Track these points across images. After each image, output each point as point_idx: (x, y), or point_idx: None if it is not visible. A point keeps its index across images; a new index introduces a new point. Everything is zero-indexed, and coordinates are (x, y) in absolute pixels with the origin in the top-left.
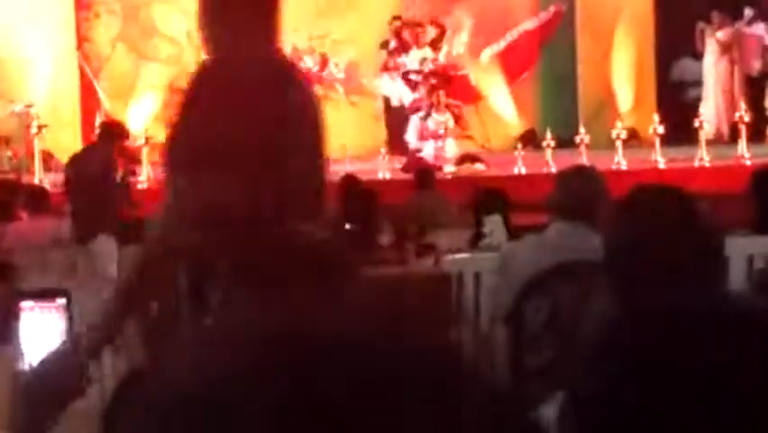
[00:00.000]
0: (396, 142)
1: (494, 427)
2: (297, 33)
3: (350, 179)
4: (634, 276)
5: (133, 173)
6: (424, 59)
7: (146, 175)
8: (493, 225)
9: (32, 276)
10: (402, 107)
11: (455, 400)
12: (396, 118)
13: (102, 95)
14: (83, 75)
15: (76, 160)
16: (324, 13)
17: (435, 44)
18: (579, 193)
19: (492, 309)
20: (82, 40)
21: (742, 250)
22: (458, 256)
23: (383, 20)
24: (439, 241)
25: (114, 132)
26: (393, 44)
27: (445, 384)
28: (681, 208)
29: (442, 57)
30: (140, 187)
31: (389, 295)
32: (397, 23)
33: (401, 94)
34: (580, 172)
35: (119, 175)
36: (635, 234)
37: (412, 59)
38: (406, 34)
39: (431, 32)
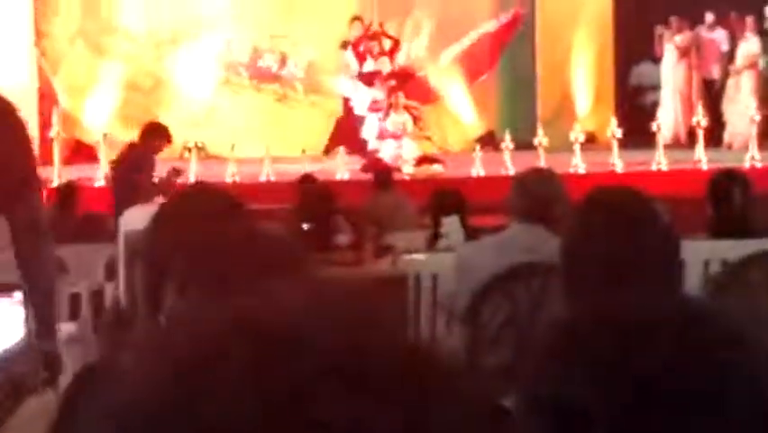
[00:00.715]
0: (354, 143)
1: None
2: (257, 33)
3: (307, 179)
4: (589, 278)
5: (178, 173)
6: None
7: (102, 172)
8: (451, 226)
9: None
10: (361, 107)
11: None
12: (354, 118)
13: (59, 91)
14: (41, 71)
15: (116, 158)
16: (285, 13)
17: (392, 54)
18: (536, 195)
19: (449, 310)
20: (40, 35)
21: (698, 254)
22: (415, 257)
23: (343, 20)
24: (397, 242)
25: (155, 132)
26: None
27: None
28: (637, 210)
29: (402, 57)
30: (97, 185)
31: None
32: (355, 34)
33: (359, 94)
34: (538, 175)
35: (159, 174)
36: (592, 236)
37: (368, 67)
38: (362, 47)
39: (386, 44)
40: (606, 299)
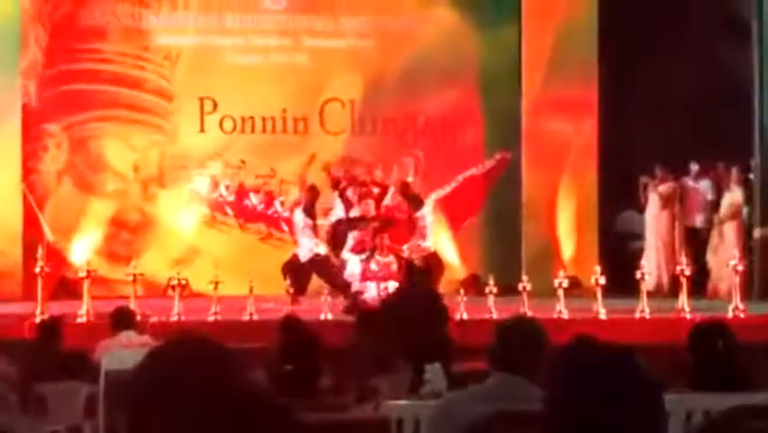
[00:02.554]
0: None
1: None
2: (244, 172)
3: (290, 319)
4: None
5: None
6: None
7: (86, 309)
8: (434, 372)
9: None
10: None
11: None
12: (334, 264)
13: (46, 227)
14: (27, 206)
15: None
16: (271, 154)
17: (378, 200)
18: (519, 346)
19: None
20: (28, 171)
21: (680, 406)
22: (398, 402)
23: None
24: (380, 385)
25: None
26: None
27: None
28: (621, 365)
29: (388, 199)
30: (79, 321)
31: None
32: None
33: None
34: (521, 325)
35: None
36: (575, 391)
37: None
38: (349, 192)
39: (374, 191)
40: None
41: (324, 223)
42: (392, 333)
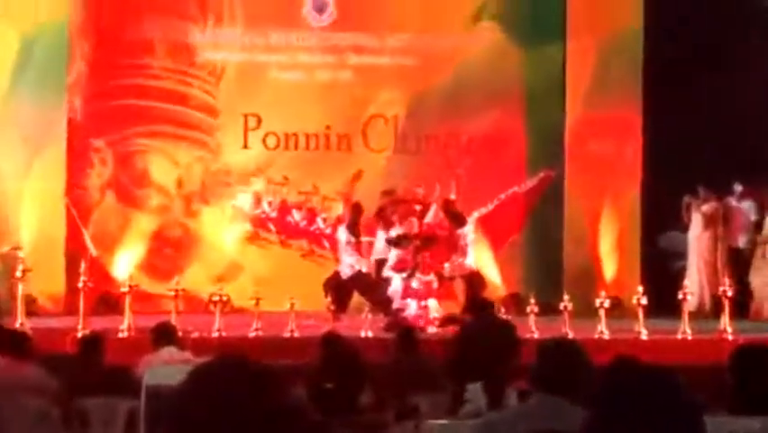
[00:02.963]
0: (376, 303)
1: None
2: (287, 188)
3: (331, 336)
4: None
5: None
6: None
7: (127, 324)
8: (474, 391)
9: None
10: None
11: None
12: (376, 280)
13: (89, 242)
14: (71, 221)
15: None
16: (314, 170)
17: (421, 217)
18: (560, 366)
19: None
20: (72, 186)
21: (721, 429)
22: (438, 422)
23: (369, 179)
24: (420, 403)
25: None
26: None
27: None
28: (662, 387)
29: (429, 216)
30: (120, 336)
31: None
32: (385, 200)
33: (386, 254)
34: (562, 345)
35: None
36: (616, 412)
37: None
38: (390, 210)
39: (416, 208)
40: None
41: (366, 240)
42: (468, 364)
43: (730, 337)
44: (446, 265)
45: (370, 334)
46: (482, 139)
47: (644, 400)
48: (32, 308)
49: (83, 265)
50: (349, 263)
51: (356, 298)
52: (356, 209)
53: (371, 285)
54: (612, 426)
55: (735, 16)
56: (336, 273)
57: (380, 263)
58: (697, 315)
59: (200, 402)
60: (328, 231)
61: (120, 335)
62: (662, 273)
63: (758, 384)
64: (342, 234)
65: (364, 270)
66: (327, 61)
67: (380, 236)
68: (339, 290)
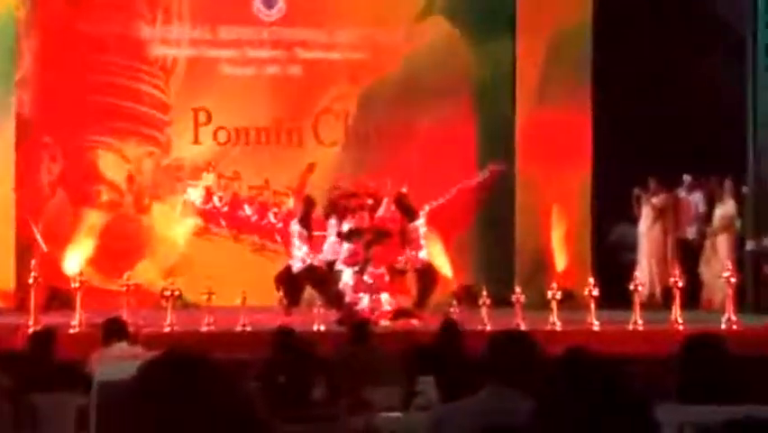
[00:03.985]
0: (328, 297)
1: None
2: (238, 183)
3: (283, 331)
4: None
5: None
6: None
7: (78, 320)
8: (426, 384)
9: None
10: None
11: None
12: (328, 274)
13: (39, 238)
14: (20, 217)
15: None
16: (265, 165)
17: (372, 211)
18: (511, 358)
19: None
20: (22, 182)
21: (672, 418)
22: (390, 415)
23: (321, 171)
24: (373, 397)
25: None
26: (333, 219)
27: None
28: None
29: (381, 210)
30: (71, 331)
31: None
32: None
33: (336, 255)
34: (514, 337)
35: None
36: (565, 403)
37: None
38: (342, 204)
39: (368, 202)
40: None
41: (319, 235)
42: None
43: (681, 328)
44: (400, 259)
45: (322, 328)
46: (433, 133)
47: (592, 391)
48: None
49: (33, 261)
50: (300, 257)
51: (308, 292)
52: (308, 203)
53: (323, 279)
54: (561, 417)
55: (681, 10)
56: (288, 267)
57: (332, 262)
58: (648, 306)
59: (148, 397)
60: (280, 225)
61: (71, 330)
62: (613, 265)
63: (708, 373)
64: (295, 226)
65: (316, 264)
66: (277, 56)
67: (332, 231)
68: (291, 283)
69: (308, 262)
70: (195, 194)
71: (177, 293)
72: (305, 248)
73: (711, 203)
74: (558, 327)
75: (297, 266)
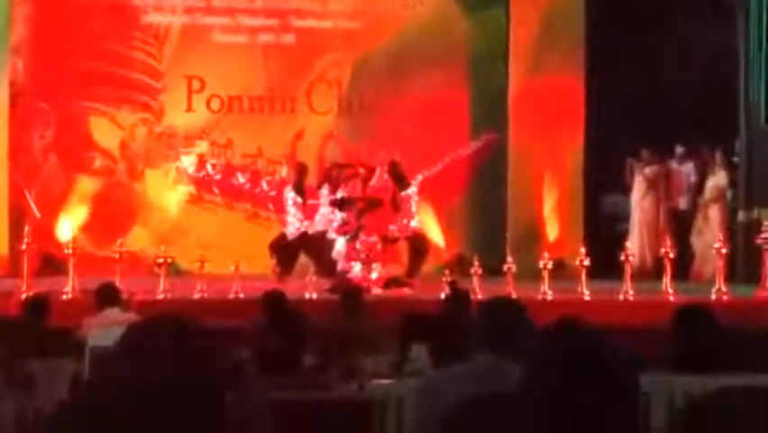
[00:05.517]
0: (322, 264)
1: None
2: (231, 151)
3: (274, 294)
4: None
5: None
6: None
7: (71, 286)
8: (419, 351)
9: None
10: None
11: None
12: (323, 241)
13: (32, 204)
14: (13, 183)
15: None
16: (259, 133)
17: (365, 181)
18: (501, 326)
19: None
20: (15, 149)
21: (662, 387)
22: (382, 382)
23: (316, 141)
24: (364, 364)
25: None
26: (325, 189)
27: None
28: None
29: (374, 180)
30: (64, 298)
31: None
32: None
33: (330, 218)
34: (504, 305)
35: None
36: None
37: (340, 192)
38: (335, 174)
39: (360, 171)
40: None
41: (313, 203)
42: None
43: (672, 298)
44: (391, 228)
45: (314, 296)
46: (426, 102)
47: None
48: None
49: (26, 228)
50: (295, 224)
51: (301, 260)
52: (300, 169)
53: (318, 246)
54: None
55: None
56: (282, 235)
57: (324, 232)
58: (639, 276)
59: (132, 360)
60: (273, 193)
61: (64, 297)
62: (604, 235)
63: (699, 343)
64: (289, 193)
65: (310, 231)
66: (271, 24)
67: (324, 200)
68: (285, 251)
69: (303, 229)
70: (188, 161)
71: (169, 260)
72: (299, 215)
73: (703, 174)
74: (549, 296)
75: (291, 232)
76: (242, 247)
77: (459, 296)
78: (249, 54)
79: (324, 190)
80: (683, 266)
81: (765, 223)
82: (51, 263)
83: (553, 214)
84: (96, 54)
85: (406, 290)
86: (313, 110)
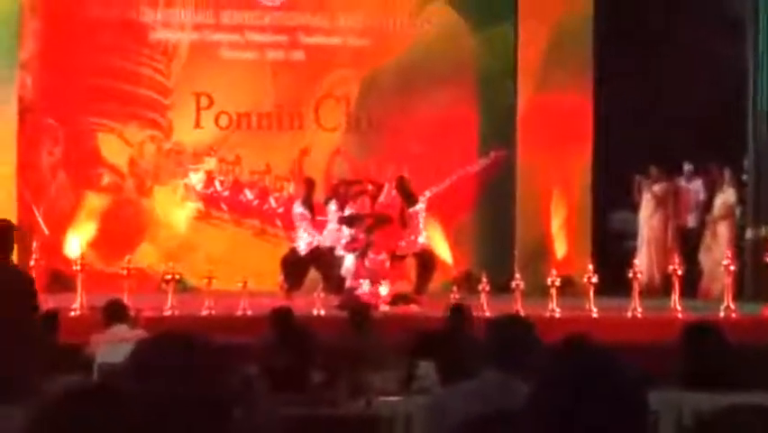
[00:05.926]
0: (331, 280)
1: None
2: (239, 168)
3: (284, 311)
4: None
5: None
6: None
7: (79, 302)
8: (426, 369)
9: None
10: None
11: None
12: (332, 257)
13: (41, 220)
14: (22, 200)
15: None
16: (267, 149)
17: (374, 198)
18: (510, 344)
19: None
20: (23, 165)
21: (671, 405)
22: (390, 399)
23: (323, 158)
24: (372, 381)
25: None
26: (333, 205)
27: None
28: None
29: (382, 196)
30: (72, 314)
31: None
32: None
33: (338, 234)
34: (512, 322)
35: None
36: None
37: (349, 210)
38: (342, 190)
39: (369, 188)
40: None
41: (321, 219)
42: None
43: (680, 316)
44: (400, 244)
45: (322, 312)
46: (434, 119)
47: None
48: None
49: (35, 244)
50: (306, 239)
51: (309, 276)
52: (308, 184)
53: (328, 262)
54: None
55: None
56: (293, 250)
57: (332, 248)
58: (647, 294)
59: (141, 377)
60: (280, 210)
61: (72, 313)
62: (612, 252)
63: (707, 361)
64: (299, 208)
65: (321, 246)
66: (279, 41)
67: (332, 217)
68: (296, 265)
69: (314, 243)
70: (196, 178)
71: (177, 277)
72: (310, 229)
73: (711, 191)
74: (557, 313)
75: (302, 248)
76: (250, 264)
77: (458, 311)
78: (257, 71)
79: (332, 206)
80: (692, 283)
81: None
82: (60, 280)
83: (561, 231)
84: (104, 70)
85: (414, 307)
86: (321, 126)
